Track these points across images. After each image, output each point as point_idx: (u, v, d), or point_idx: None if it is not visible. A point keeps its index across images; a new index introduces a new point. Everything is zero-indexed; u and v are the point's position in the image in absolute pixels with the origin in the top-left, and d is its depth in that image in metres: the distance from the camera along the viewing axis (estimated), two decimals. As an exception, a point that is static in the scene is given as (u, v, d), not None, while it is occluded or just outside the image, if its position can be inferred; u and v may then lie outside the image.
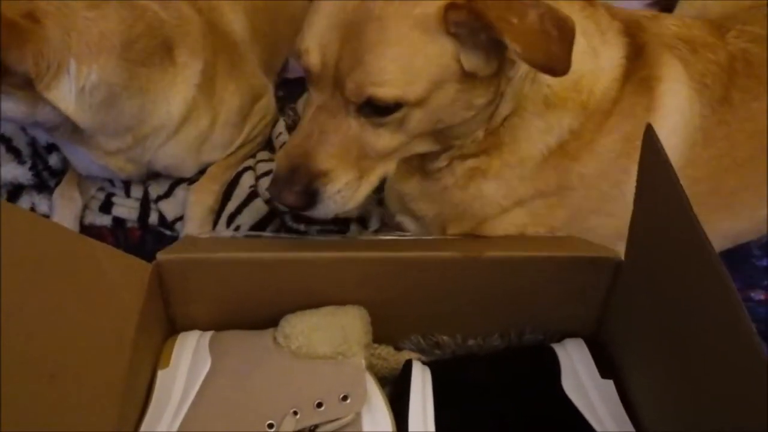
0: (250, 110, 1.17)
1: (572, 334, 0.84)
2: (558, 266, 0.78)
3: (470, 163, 0.86)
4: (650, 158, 0.66)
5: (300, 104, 1.26)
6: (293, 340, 0.74)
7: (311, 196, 0.76)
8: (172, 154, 1.09)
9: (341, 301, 0.79)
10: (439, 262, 0.78)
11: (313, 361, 0.73)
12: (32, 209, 1.12)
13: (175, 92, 1.03)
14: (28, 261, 0.60)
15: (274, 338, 0.76)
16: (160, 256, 0.76)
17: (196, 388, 0.72)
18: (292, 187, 0.75)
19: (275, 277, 0.78)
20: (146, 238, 1.14)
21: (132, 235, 1.13)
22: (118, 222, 1.13)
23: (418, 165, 0.89)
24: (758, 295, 1.06)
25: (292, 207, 0.78)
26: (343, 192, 0.76)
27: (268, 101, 1.23)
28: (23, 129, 1.16)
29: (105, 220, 1.13)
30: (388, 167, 0.79)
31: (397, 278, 0.78)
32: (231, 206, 1.14)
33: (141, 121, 1.01)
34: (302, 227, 1.10)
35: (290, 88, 1.35)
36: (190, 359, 0.75)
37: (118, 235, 1.13)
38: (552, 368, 0.79)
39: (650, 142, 0.66)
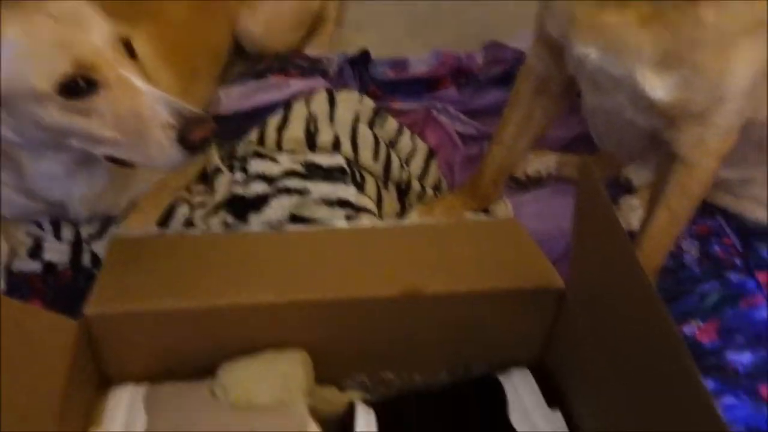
0: None
1: (519, 363, 0.83)
2: (500, 300, 0.77)
3: None
4: (587, 191, 0.66)
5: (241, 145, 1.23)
6: (231, 392, 0.72)
7: None
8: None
9: (281, 344, 0.77)
10: (378, 302, 0.76)
11: (253, 413, 0.71)
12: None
13: None
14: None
15: (212, 390, 0.73)
16: (88, 310, 0.72)
17: (132, 449, 0.69)
18: None
19: (211, 325, 0.75)
20: (78, 279, 1.10)
21: (63, 277, 1.09)
22: (49, 267, 1.09)
23: None
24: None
25: None
26: None
27: None
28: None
29: (34, 266, 1.08)
30: None
31: (337, 320, 0.77)
32: (166, 239, 1.10)
33: None
34: (240, 225, 1.09)
35: (223, 125, 1.32)
36: (124, 417, 0.72)
37: (48, 280, 1.08)
38: (498, 401, 0.78)
39: (587, 174, 0.66)
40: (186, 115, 0.82)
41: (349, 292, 0.76)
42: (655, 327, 0.58)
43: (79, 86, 0.81)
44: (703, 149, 0.90)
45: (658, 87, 0.86)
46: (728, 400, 0.96)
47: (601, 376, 0.71)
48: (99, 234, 1.11)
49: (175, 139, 0.81)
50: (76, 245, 1.10)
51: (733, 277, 1.13)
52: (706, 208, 1.21)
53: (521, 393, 0.79)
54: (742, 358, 1.01)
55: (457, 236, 0.87)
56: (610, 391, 0.69)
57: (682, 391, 0.55)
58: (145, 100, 0.82)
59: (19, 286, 1.07)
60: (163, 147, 0.82)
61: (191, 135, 0.81)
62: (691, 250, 1.16)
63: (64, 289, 1.08)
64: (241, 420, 0.71)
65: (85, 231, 1.11)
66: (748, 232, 1.20)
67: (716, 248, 1.18)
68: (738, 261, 1.16)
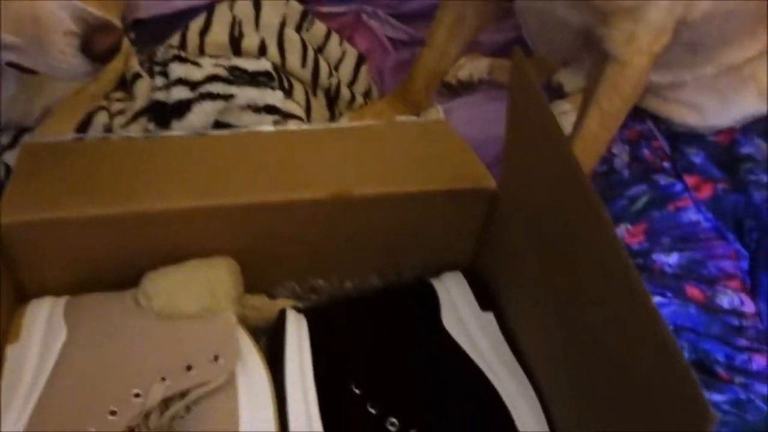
0: None
1: (451, 267, 0.82)
2: (431, 201, 0.75)
3: None
4: (519, 84, 0.64)
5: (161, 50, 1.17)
6: (155, 300, 0.69)
7: None
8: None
9: (207, 253, 0.74)
10: (307, 206, 0.74)
11: (179, 321, 0.68)
12: None
13: None
14: None
15: (136, 299, 0.70)
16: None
17: (52, 361, 0.65)
18: None
19: (133, 233, 0.72)
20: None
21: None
22: (-40, 179, 1.03)
23: None
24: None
25: None
26: None
27: None
28: None
29: (-55, 178, 1.03)
30: None
31: (264, 225, 0.74)
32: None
33: None
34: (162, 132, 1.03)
35: (142, 30, 1.25)
36: (43, 330, 0.69)
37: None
38: (431, 304, 0.78)
39: (519, 66, 0.64)
40: (90, 22, 0.75)
41: (277, 196, 0.73)
42: (591, 226, 0.57)
43: None
44: (635, 47, 0.89)
45: None
46: (656, 299, 0.98)
47: (533, 278, 0.71)
48: (12, 145, 1.05)
49: (78, 48, 0.75)
50: (-12, 157, 1.05)
51: (662, 180, 1.14)
52: (637, 114, 1.21)
53: (454, 296, 0.78)
54: (669, 259, 1.03)
55: (387, 138, 0.85)
56: (543, 293, 0.69)
57: (617, 289, 0.55)
58: (45, 2, 0.76)
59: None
60: (66, 56, 0.75)
61: (96, 43, 0.75)
62: (622, 155, 1.17)
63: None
64: (167, 328, 0.68)
65: (-3, 142, 1.05)
66: (676, 135, 1.21)
67: (645, 151, 1.18)
68: (666, 164, 1.17)
